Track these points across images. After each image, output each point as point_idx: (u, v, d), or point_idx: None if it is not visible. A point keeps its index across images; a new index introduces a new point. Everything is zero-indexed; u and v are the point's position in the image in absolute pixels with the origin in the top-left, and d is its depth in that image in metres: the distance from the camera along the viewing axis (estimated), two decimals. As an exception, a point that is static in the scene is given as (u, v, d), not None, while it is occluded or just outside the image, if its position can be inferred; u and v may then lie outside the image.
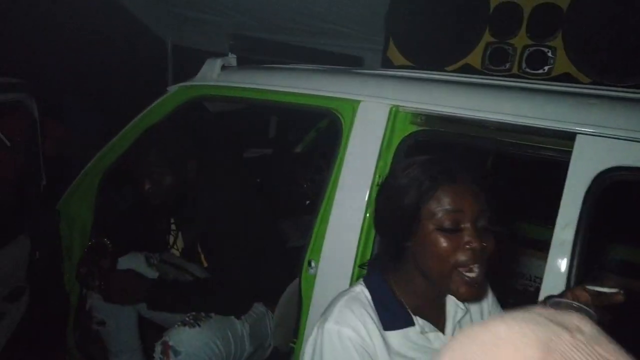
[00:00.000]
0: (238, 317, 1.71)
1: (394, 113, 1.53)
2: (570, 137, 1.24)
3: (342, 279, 1.54)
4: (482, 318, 1.20)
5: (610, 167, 1.17)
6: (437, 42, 1.77)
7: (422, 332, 1.07)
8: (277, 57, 2.32)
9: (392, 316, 1.06)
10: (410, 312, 1.07)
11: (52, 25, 3.64)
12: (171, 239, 1.98)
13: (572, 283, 1.17)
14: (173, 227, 1.98)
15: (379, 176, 1.53)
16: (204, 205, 1.74)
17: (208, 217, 1.73)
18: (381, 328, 1.03)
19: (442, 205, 0.99)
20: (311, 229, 1.64)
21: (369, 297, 1.08)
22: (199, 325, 1.57)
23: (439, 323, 1.12)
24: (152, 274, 2.03)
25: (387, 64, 1.92)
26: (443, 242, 0.98)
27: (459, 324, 1.14)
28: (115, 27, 3.70)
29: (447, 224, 0.99)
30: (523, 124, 1.32)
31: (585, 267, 1.17)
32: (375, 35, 2.60)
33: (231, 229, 1.68)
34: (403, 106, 1.52)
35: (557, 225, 1.21)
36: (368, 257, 1.54)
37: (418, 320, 1.07)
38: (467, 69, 1.73)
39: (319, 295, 1.58)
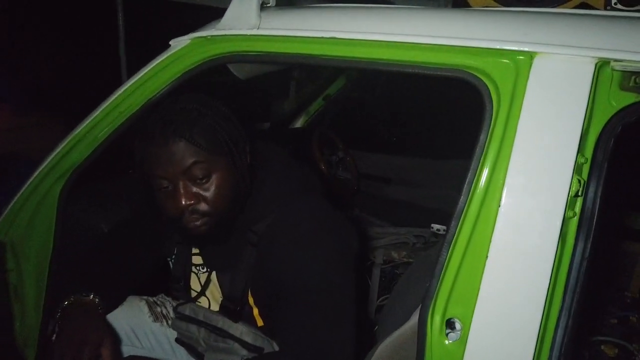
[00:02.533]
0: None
1: (599, 72, 0.91)
2: None
3: (519, 347, 0.94)
4: None
5: None
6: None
7: None
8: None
9: None
10: None
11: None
12: (194, 279, 1.28)
13: None
14: (197, 260, 1.27)
15: (578, 181, 0.91)
16: (273, 227, 1.08)
17: (277, 249, 1.07)
18: None
19: None
20: (440, 266, 1.01)
21: None
22: None
23: None
24: (161, 333, 1.33)
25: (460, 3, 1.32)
26: None
27: None
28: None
29: None
30: None
31: None
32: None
33: (320, 259, 1.03)
34: (616, 60, 0.90)
35: None
36: (555, 315, 0.94)
37: None
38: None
39: (472, 374, 0.97)
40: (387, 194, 3.10)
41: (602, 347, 1.46)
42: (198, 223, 1.05)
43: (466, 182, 1.00)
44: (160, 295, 1.42)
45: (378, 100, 3.59)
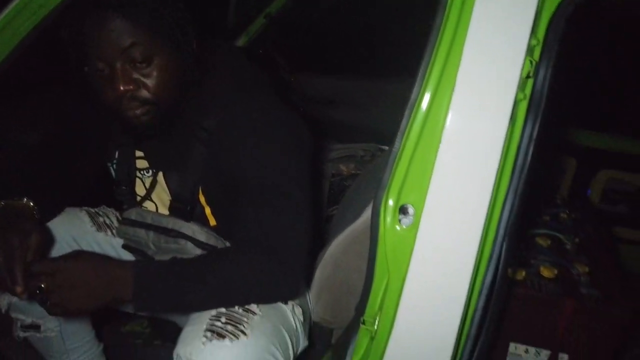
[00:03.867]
0: (285, 302, 1.08)
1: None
2: None
3: (468, 231, 0.98)
4: None
5: None
6: None
7: None
8: None
9: None
10: None
11: None
12: (139, 184, 1.21)
13: None
14: (141, 165, 1.20)
15: (530, 63, 0.92)
16: (225, 123, 1.02)
17: (224, 140, 1.02)
18: None
19: None
20: (393, 156, 1.02)
21: None
22: (244, 333, 0.92)
23: None
24: (105, 242, 1.28)
25: None
26: None
27: None
28: None
29: None
30: None
31: None
32: None
33: (274, 155, 1.00)
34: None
35: None
36: (502, 196, 0.98)
37: None
38: None
39: (425, 256, 1.01)
40: (333, 116, 3.08)
41: (537, 239, 1.56)
42: (138, 112, 0.98)
43: (420, 70, 0.98)
44: (101, 207, 1.35)
45: (322, 20, 3.48)
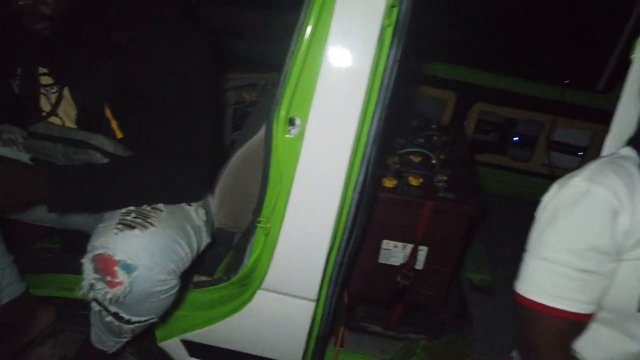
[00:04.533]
0: (189, 203, 1.23)
1: None
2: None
3: (342, 138, 1.18)
4: None
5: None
6: None
7: None
8: None
9: None
10: None
11: None
12: (44, 101, 1.25)
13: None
14: (47, 80, 1.23)
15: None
16: (133, 38, 1.09)
17: (132, 55, 1.09)
18: None
19: None
20: (284, 75, 1.18)
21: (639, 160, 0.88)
22: (152, 225, 1.06)
23: None
24: (12, 157, 1.32)
25: None
26: None
27: None
28: None
29: None
30: None
31: None
32: None
33: (179, 70, 1.10)
34: None
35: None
36: (373, 105, 1.18)
37: None
38: None
39: (309, 161, 1.20)
40: (237, 46, 3.12)
41: (411, 156, 1.83)
42: (39, 27, 1.02)
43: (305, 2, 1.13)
44: (4, 124, 1.37)
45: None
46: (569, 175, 0.89)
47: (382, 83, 1.17)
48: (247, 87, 2.19)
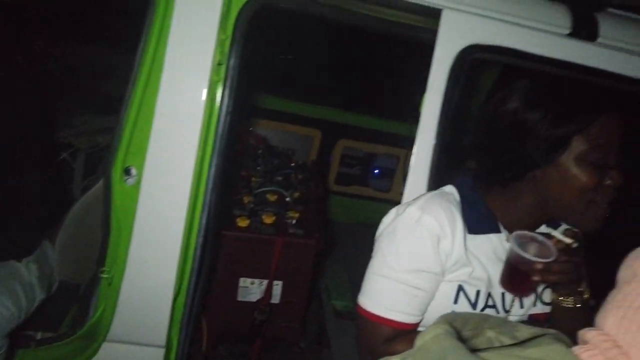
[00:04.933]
0: (19, 259, 1.18)
1: (233, -32, 1.17)
2: (436, 13, 1.21)
3: (180, 185, 1.22)
4: None
5: (471, 45, 1.21)
6: None
7: (507, 240, 0.99)
8: None
9: (478, 218, 1.00)
10: (497, 219, 1.01)
11: None
12: None
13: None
14: None
15: (220, 54, 1.19)
16: None
17: None
18: (465, 229, 0.97)
19: (599, 137, 0.90)
20: (120, 126, 1.20)
21: (458, 198, 1.02)
22: (-31, 286, 1.01)
23: None
24: None
25: None
26: (591, 177, 0.90)
27: None
28: None
29: (598, 158, 0.90)
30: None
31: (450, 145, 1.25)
32: None
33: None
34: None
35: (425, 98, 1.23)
36: (210, 153, 1.25)
37: (502, 228, 1.00)
38: None
39: (147, 209, 1.23)
40: (99, 87, 3.04)
41: (267, 195, 1.93)
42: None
43: (137, 54, 1.18)
44: None
45: None
46: (406, 203, 1.02)
47: (216, 132, 1.24)
48: (102, 130, 2.15)
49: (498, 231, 1.01)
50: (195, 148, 1.22)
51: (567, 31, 1.23)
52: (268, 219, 1.73)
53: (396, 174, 3.36)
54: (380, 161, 3.40)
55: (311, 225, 1.77)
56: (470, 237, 0.98)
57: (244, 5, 1.20)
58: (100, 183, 1.42)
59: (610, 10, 1.33)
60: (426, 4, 1.21)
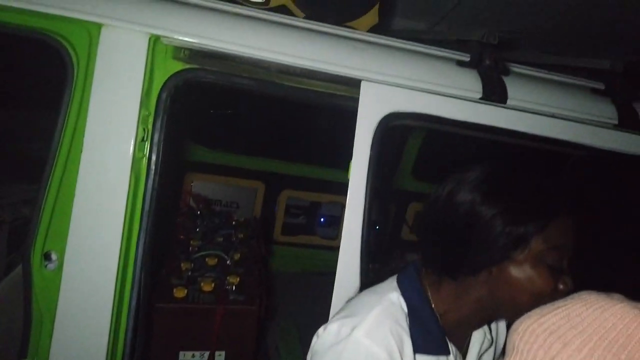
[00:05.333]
0: None
1: (154, 45, 1.18)
2: (356, 83, 1.25)
3: (106, 272, 1.17)
4: (498, 352, 1.13)
5: (390, 113, 1.26)
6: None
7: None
8: None
9: (427, 338, 0.92)
10: (446, 337, 0.94)
11: None
12: None
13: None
14: None
15: (144, 130, 1.18)
16: None
17: None
18: (413, 347, 0.90)
19: (556, 238, 0.87)
20: (38, 208, 1.16)
21: (406, 309, 0.93)
22: None
23: (462, 346, 1.01)
24: None
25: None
26: (548, 280, 0.87)
27: (482, 355, 1.05)
28: None
29: (555, 260, 0.87)
30: (308, 67, 1.25)
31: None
32: None
33: None
34: (165, 36, 1.18)
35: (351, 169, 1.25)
36: (137, 231, 1.21)
37: (452, 348, 0.94)
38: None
39: (70, 295, 1.16)
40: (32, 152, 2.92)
41: (207, 259, 1.88)
42: None
43: (55, 134, 1.15)
44: None
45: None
46: (349, 317, 0.92)
47: (142, 210, 1.21)
48: (27, 201, 2.05)
49: (447, 352, 0.94)
50: (120, 228, 1.18)
51: (479, 95, 1.31)
52: (207, 287, 1.69)
53: (342, 221, 3.36)
54: (325, 209, 3.43)
55: (252, 290, 1.74)
56: (418, 356, 0.92)
57: (167, 81, 1.21)
58: (18, 268, 1.34)
59: (518, 69, 1.44)
60: (346, 75, 1.26)
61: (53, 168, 1.16)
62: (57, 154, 1.16)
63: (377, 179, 1.26)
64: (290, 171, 3.31)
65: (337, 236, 3.41)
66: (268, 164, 3.27)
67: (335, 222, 3.42)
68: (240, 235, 2.16)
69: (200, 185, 3.07)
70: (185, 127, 2.72)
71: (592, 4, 2.54)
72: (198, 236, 2.06)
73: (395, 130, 1.29)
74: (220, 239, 2.09)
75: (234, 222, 2.30)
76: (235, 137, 3.26)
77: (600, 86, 1.49)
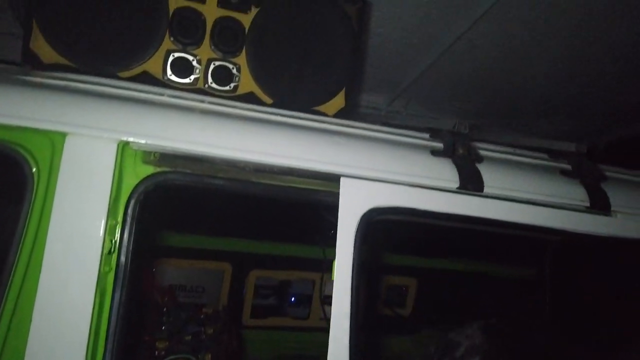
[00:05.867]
0: None
1: (123, 150, 1.12)
2: (336, 178, 1.23)
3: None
4: None
5: (372, 208, 1.23)
6: (102, 38, 1.33)
7: None
8: None
9: None
10: None
11: None
12: None
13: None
14: None
15: (111, 241, 1.09)
16: None
17: None
18: None
19: None
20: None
21: None
22: None
23: None
24: None
25: (31, 59, 1.35)
26: None
27: None
28: None
29: None
30: (286, 165, 1.22)
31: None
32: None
33: None
34: (135, 142, 1.12)
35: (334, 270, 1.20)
36: (101, 353, 1.09)
37: None
38: (146, 79, 1.41)
39: None
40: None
41: (175, 363, 1.73)
42: None
43: (9, 253, 1.04)
44: None
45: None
46: None
47: (109, 323, 1.10)
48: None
49: None
50: (83, 351, 1.05)
51: (456, 185, 1.31)
52: (177, 397, 1.54)
53: (313, 299, 3.27)
54: (295, 287, 3.31)
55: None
56: None
57: (137, 186, 1.14)
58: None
59: (490, 153, 1.46)
60: (325, 171, 1.23)
61: (9, 288, 1.04)
62: (11, 275, 1.04)
63: (362, 278, 1.21)
64: (257, 250, 3.20)
65: (308, 315, 3.28)
66: (234, 244, 3.15)
67: (306, 300, 3.30)
68: (210, 331, 2.02)
69: (162, 270, 2.91)
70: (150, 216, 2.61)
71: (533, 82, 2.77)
72: (164, 335, 1.91)
73: (377, 225, 1.25)
74: (189, 338, 1.94)
75: (202, 316, 2.15)
76: (200, 218, 3.16)
77: (568, 167, 1.53)
